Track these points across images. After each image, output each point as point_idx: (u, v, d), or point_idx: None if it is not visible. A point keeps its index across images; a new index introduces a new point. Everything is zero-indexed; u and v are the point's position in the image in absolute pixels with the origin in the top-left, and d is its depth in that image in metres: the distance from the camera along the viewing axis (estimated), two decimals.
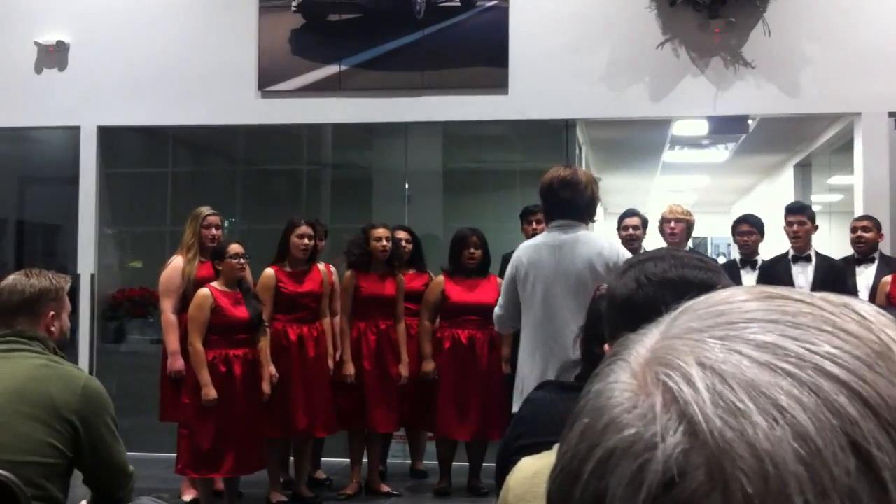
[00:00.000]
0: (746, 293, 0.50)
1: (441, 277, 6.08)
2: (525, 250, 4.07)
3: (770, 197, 11.60)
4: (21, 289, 2.81)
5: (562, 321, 3.83)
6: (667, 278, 1.42)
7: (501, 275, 6.27)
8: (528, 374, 3.90)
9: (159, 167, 8.61)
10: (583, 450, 0.45)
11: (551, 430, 2.37)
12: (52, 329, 2.81)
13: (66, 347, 2.93)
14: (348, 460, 6.19)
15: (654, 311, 1.48)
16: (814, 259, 5.91)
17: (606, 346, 1.49)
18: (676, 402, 0.43)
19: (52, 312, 2.81)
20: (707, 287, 1.45)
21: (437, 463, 6.22)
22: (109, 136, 7.55)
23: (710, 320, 0.48)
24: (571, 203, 3.92)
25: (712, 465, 0.42)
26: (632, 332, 1.60)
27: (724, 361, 0.44)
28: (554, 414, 2.30)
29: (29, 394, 2.62)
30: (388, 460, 6.62)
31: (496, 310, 4.20)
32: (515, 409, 3.96)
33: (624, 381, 0.46)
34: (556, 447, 1.43)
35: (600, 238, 4.02)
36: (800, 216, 5.98)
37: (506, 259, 6.50)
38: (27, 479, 2.54)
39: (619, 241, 5.65)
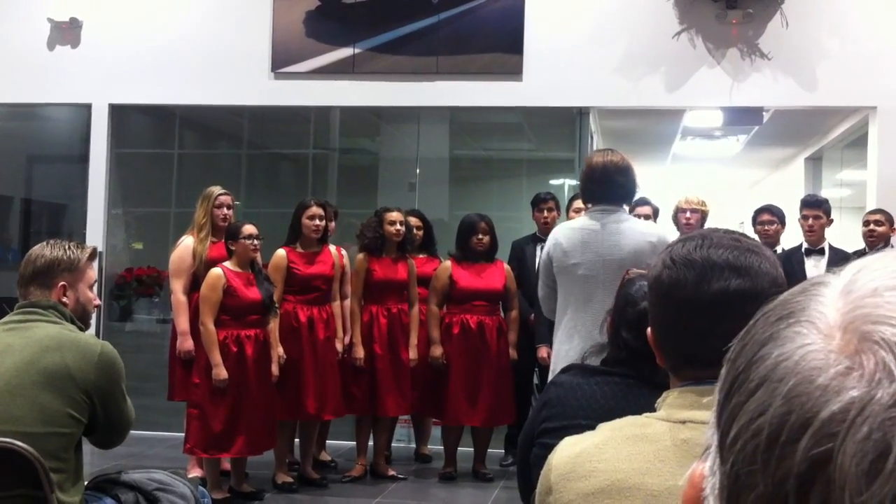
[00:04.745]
0: None
1: (448, 262, 6.07)
2: (564, 232, 4.06)
3: (778, 190, 11.58)
4: (34, 259, 2.81)
5: (604, 305, 3.82)
6: (690, 259, 1.40)
7: (511, 263, 6.29)
8: (565, 357, 3.89)
9: (165, 148, 8.59)
10: (796, 414, 0.44)
11: (578, 414, 2.37)
12: (65, 300, 2.79)
13: (88, 320, 2.91)
14: (354, 443, 6.19)
15: (679, 292, 1.46)
16: (827, 252, 5.90)
17: (649, 331, 1.47)
18: None
19: (63, 283, 2.79)
20: (734, 268, 1.44)
21: (440, 447, 6.23)
22: (117, 116, 7.52)
23: None
24: (624, 188, 3.98)
25: None
26: (663, 312, 1.55)
27: None
28: (581, 397, 2.30)
29: (45, 364, 2.61)
30: (393, 444, 6.62)
31: (539, 292, 4.18)
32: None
33: (817, 343, 0.46)
34: (600, 427, 1.41)
35: (643, 221, 4.02)
36: (816, 210, 5.97)
37: (516, 246, 6.51)
38: (47, 450, 2.54)
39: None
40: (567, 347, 3.90)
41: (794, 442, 0.44)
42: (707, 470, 0.50)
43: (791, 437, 0.44)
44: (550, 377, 3.99)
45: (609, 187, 3.96)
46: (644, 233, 3.93)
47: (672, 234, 4.10)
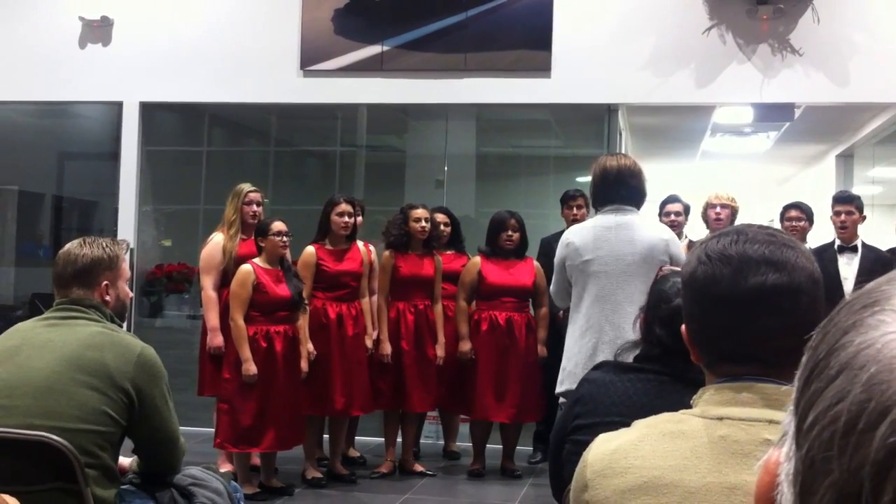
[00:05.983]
0: None
1: (477, 258, 6.07)
2: (577, 232, 4.13)
3: (808, 187, 11.47)
4: (74, 258, 2.81)
5: (616, 303, 3.85)
6: (726, 254, 1.39)
7: (540, 259, 6.28)
8: (576, 354, 3.91)
9: (194, 146, 8.64)
10: (876, 402, 0.44)
11: (611, 411, 2.37)
12: (107, 298, 2.81)
13: (125, 314, 2.93)
14: (382, 439, 6.21)
15: (714, 288, 1.45)
16: (860, 249, 5.84)
17: (684, 328, 1.46)
18: None
19: (105, 282, 2.81)
20: (770, 262, 1.43)
21: (469, 444, 6.23)
22: (147, 114, 7.57)
23: None
24: (638, 190, 4.03)
25: None
26: (698, 309, 1.54)
27: None
28: (613, 394, 2.29)
29: (85, 361, 2.63)
30: (421, 440, 6.63)
31: (552, 287, 4.26)
32: (560, 389, 3.96)
33: None
34: (636, 424, 1.40)
35: (655, 222, 4.06)
36: (848, 206, 5.91)
37: (545, 243, 6.50)
38: (82, 446, 2.56)
39: None
40: (581, 343, 3.93)
41: (872, 429, 0.43)
42: (783, 456, 0.50)
43: (869, 425, 0.43)
44: (561, 375, 4.02)
45: (623, 190, 4.02)
46: (657, 229, 4.01)
47: (676, 243, 4.15)
